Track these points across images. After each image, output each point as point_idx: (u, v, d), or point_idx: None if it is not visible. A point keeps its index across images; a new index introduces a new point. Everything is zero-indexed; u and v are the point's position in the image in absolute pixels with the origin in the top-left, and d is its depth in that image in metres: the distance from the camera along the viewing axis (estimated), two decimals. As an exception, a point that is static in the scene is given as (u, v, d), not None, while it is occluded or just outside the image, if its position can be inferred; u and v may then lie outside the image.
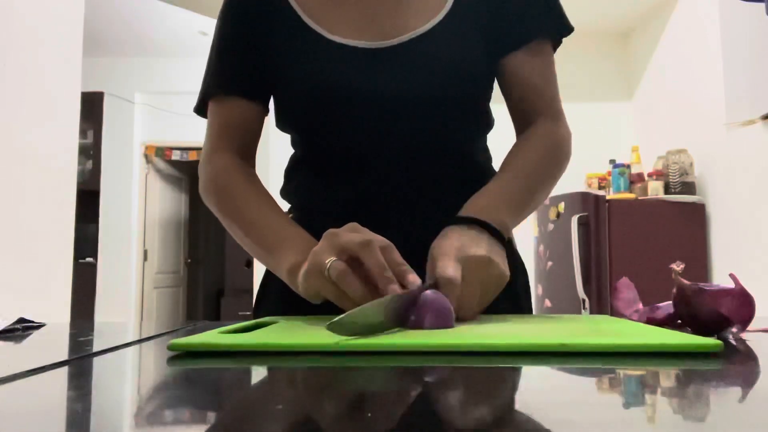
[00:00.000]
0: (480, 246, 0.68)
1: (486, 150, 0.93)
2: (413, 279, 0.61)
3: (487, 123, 0.90)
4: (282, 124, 0.90)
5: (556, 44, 0.89)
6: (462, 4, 0.84)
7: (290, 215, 0.92)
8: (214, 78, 0.88)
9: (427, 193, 0.83)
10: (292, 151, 0.94)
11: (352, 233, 0.63)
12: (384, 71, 0.81)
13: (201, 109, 0.92)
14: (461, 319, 0.64)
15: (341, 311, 0.75)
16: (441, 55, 0.81)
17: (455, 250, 0.66)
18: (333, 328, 0.49)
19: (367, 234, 0.63)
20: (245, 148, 0.89)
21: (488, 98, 0.88)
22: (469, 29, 0.83)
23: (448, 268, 0.64)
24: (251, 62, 0.87)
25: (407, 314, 0.56)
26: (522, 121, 0.88)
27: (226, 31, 0.89)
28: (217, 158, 0.87)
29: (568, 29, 0.87)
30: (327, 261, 0.62)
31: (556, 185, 0.86)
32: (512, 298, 0.85)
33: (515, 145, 0.85)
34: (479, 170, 0.88)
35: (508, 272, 0.69)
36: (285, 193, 0.93)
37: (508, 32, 0.85)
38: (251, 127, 0.89)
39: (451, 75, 0.81)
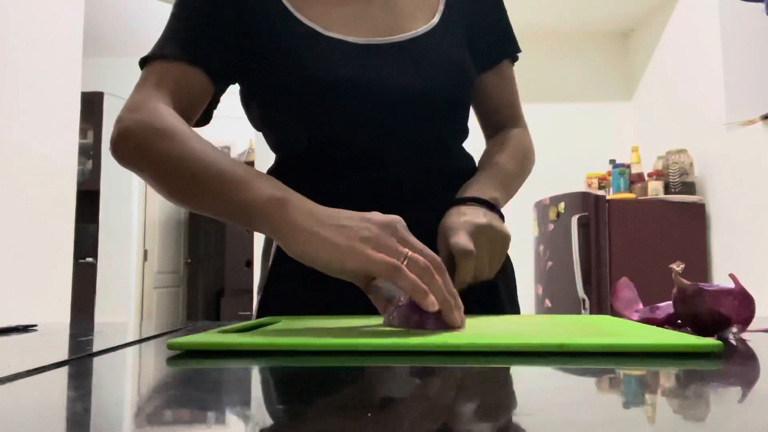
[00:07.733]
0: (479, 216, 0.77)
1: (467, 153, 0.95)
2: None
3: (465, 130, 0.94)
4: (267, 120, 0.87)
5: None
6: (451, 15, 0.90)
7: None
8: (180, 41, 0.80)
9: (423, 186, 0.85)
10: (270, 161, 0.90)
11: (393, 244, 0.59)
12: (384, 66, 0.83)
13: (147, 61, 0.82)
14: (481, 280, 0.74)
15: (341, 313, 0.76)
16: (441, 54, 0.86)
17: (462, 223, 0.74)
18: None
19: (404, 244, 0.60)
20: (186, 116, 0.78)
21: (470, 104, 0.94)
22: (460, 36, 0.90)
23: (462, 240, 0.71)
24: (229, 42, 0.82)
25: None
26: (494, 129, 0.99)
27: (207, 3, 0.82)
28: (155, 103, 0.75)
29: (519, 51, 1.00)
30: (403, 253, 0.57)
31: (527, 181, 0.98)
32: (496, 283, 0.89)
33: (491, 145, 0.96)
34: (467, 168, 0.92)
35: (509, 232, 0.78)
36: None
37: (484, 52, 0.94)
38: (199, 101, 0.81)
39: (449, 74, 0.86)
